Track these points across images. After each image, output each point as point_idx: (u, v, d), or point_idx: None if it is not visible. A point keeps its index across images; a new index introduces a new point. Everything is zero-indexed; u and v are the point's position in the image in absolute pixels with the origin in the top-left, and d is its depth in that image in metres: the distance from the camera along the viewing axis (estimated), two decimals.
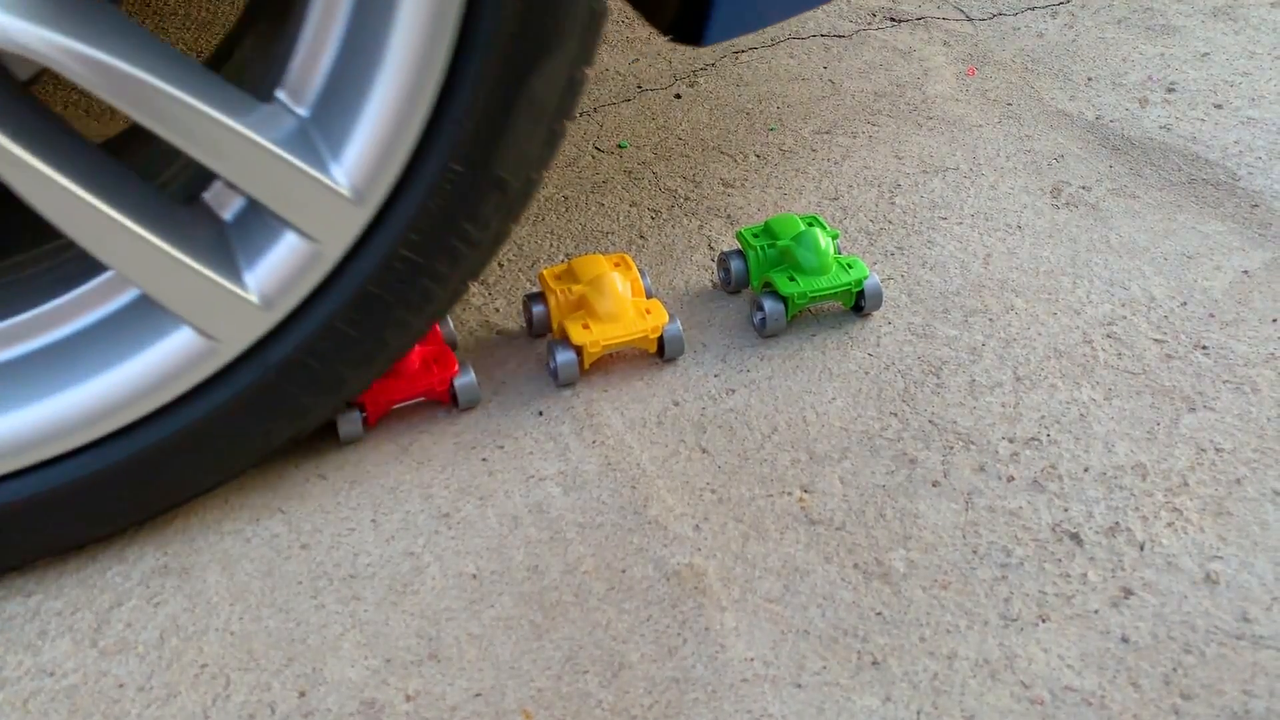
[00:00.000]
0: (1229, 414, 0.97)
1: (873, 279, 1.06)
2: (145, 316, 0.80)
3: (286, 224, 0.78)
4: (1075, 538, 0.87)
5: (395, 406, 0.96)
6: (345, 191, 0.78)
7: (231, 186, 0.79)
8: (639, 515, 0.89)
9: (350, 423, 0.94)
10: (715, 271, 1.14)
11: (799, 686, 0.77)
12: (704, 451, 0.95)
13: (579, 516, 0.89)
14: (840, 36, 1.59)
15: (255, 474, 0.92)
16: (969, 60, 1.53)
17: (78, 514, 0.83)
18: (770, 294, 1.05)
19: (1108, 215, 1.23)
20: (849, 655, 0.79)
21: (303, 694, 0.76)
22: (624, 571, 0.85)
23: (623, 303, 1.00)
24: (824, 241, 1.05)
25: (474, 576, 0.84)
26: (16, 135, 0.72)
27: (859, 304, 1.07)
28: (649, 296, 1.05)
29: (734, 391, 1.01)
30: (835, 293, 1.05)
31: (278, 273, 0.80)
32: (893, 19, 1.64)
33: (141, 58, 0.72)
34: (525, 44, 0.76)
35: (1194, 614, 0.81)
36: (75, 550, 0.86)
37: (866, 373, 1.02)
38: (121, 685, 0.77)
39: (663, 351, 1.03)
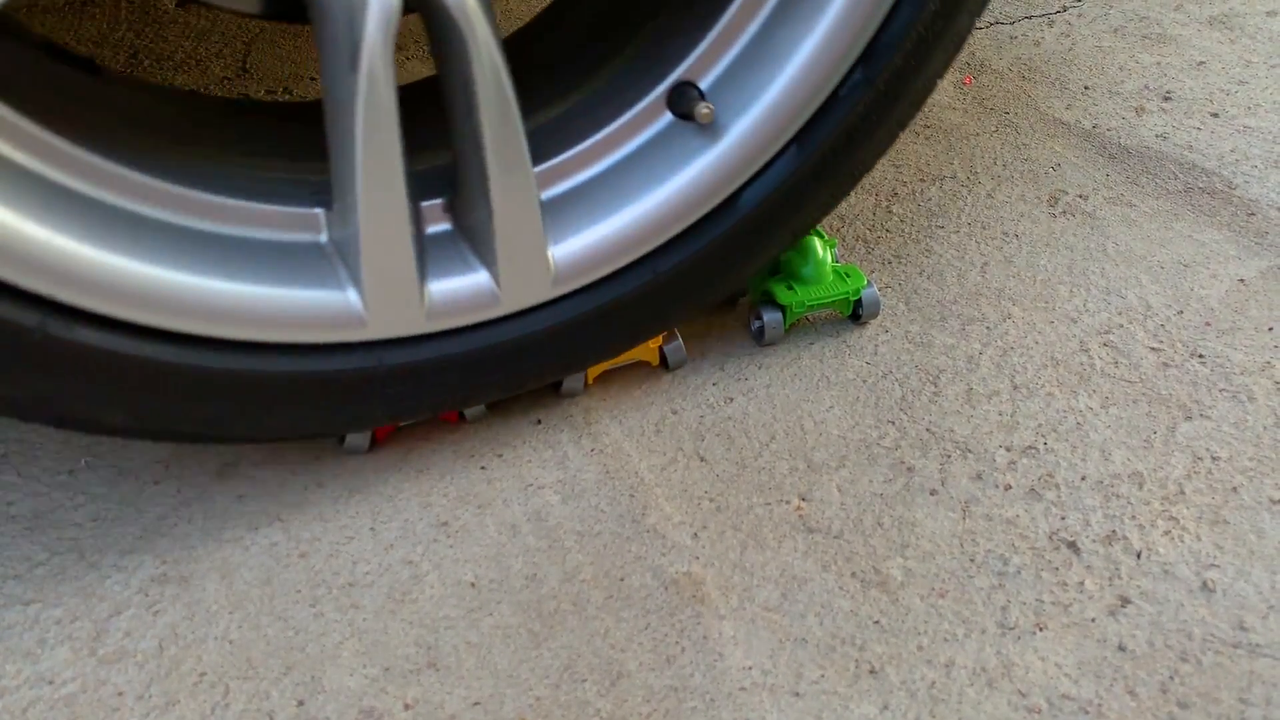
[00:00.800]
0: (1225, 422, 0.98)
1: (870, 288, 1.06)
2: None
3: None
4: (1072, 546, 0.87)
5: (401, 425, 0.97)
6: None
7: None
8: (637, 523, 0.89)
9: (356, 437, 0.94)
10: None
11: (797, 695, 0.77)
12: (702, 460, 0.95)
13: (577, 525, 0.89)
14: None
15: (254, 482, 0.93)
16: (966, 69, 1.54)
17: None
18: (768, 303, 1.05)
19: (1105, 224, 1.23)
20: (847, 664, 0.79)
21: (301, 702, 0.77)
22: (622, 580, 0.85)
23: None
24: (821, 250, 1.05)
25: (472, 585, 0.85)
26: None
27: (857, 312, 1.07)
28: None
29: (732, 400, 1.01)
30: (833, 301, 1.05)
31: None
32: None
33: None
34: None
35: (1191, 622, 0.82)
36: (75, 556, 0.86)
37: (864, 381, 1.03)
38: (120, 694, 0.77)
39: (666, 363, 1.03)
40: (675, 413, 1.00)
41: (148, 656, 0.80)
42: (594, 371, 1.01)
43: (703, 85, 0.88)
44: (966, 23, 0.92)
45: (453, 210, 0.86)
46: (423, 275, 0.83)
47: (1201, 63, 1.55)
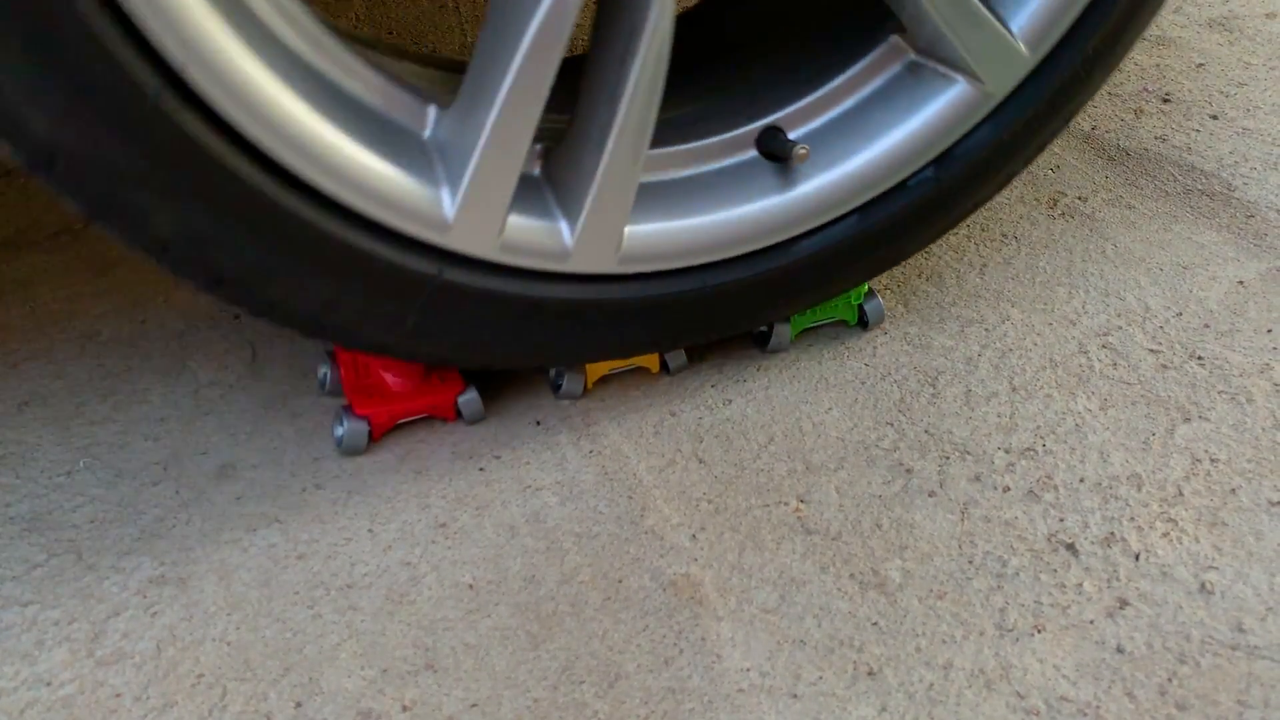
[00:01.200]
0: (1224, 424, 0.98)
1: (873, 294, 1.06)
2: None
3: None
4: (1071, 548, 0.87)
5: (399, 421, 0.97)
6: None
7: None
8: (636, 525, 0.89)
9: (355, 435, 0.94)
10: None
11: (795, 697, 0.77)
12: (701, 461, 0.95)
13: (576, 526, 0.89)
14: None
15: (252, 483, 0.93)
16: None
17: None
18: None
19: (1104, 225, 1.23)
20: (845, 665, 0.79)
21: (299, 704, 0.77)
22: (620, 581, 0.85)
23: None
24: None
25: (471, 586, 0.84)
26: None
27: (863, 320, 1.07)
28: None
29: (731, 401, 1.01)
30: (838, 308, 1.05)
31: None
32: None
33: None
34: None
35: (1189, 624, 0.81)
36: (76, 558, 0.86)
37: (863, 383, 1.03)
38: (118, 695, 0.77)
39: (666, 368, 1.03)
40: (674, 414, 1.00)
41: (145, 658, 0.80)
42: (594, 375, 1.01)
43: (791, 134, 0.94)
44: (1038, 145, 0.99)
45: (546, 158, 0.87)
46: (508, 206, 0.83)
47: (1201, 65, 1.55)
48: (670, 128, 0.92)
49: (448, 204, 0.80)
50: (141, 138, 0.68)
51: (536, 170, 0.87)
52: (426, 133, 0.81)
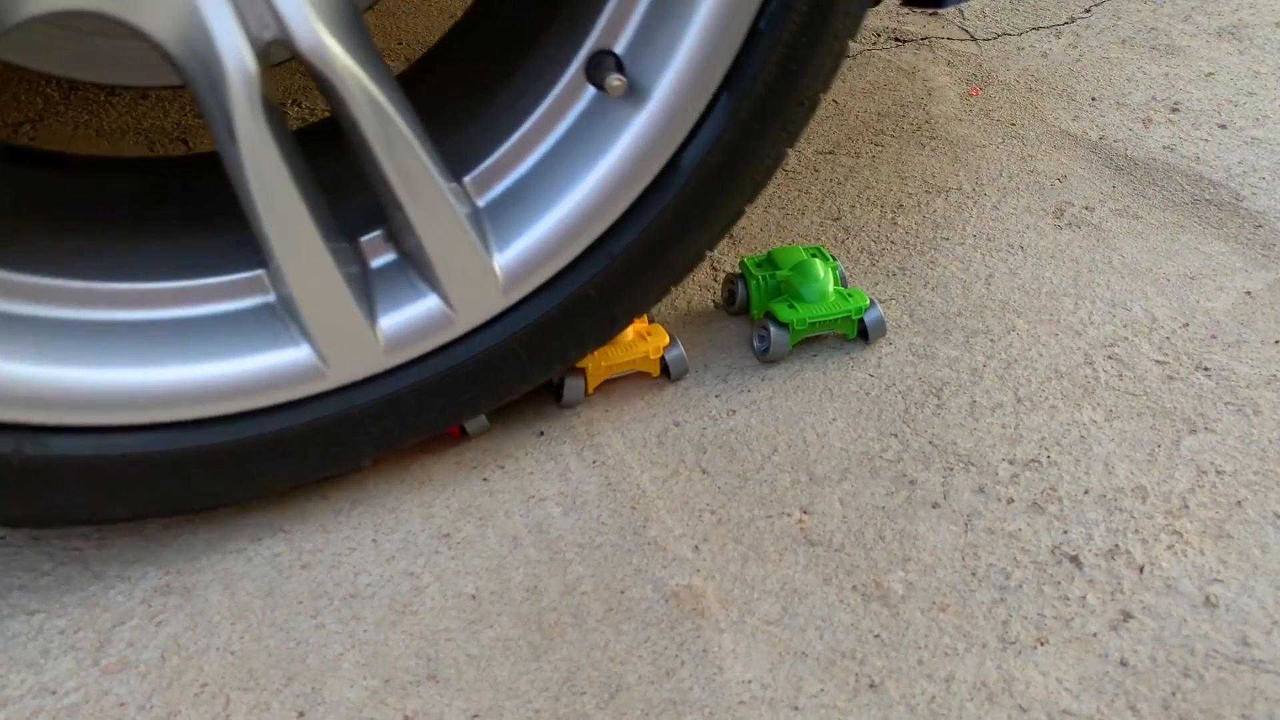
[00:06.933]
0: (1230, 436, 0.97)
1: (874, 308, 1.06)
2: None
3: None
4: (1074, 560, 0.87)
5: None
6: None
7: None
8: (638, 536, 0.89)
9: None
10: (719, 291, 1.15)
11: (796, 709, 0.77)
12: (704, 472, 0.95)
13: (578, 537, 0.89)
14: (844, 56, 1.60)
15: None
16: (973, 80, 1.54)
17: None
18: (773, 320, 1.05)
19: (1110, 236, 1.23)
20: (847, 678, 0.79)
21: (302, 714, 0.77)
22: (623, 592, 0.85)
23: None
24: (823, 271, 1.05)
25: (473, 597, 0.85)
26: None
27: (863, 333, 1.07)
28: (650, 321, 1.06)
29: (734, 412, 1.01)
30: (835, 320, 1.05)
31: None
32: (897, 39, 1.64)
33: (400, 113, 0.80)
34: None
35: (1193, 638, 0.81)
36: (78, 566, 0.87)
37: (867, 393, 1.03)
38: (122, 704, 0.78)
39: (668, 373, 1.03)
40: (677, 424, 1.00)
41: (150, 667, 0.80)
42: (595, 380, 1.01)
43: (619, 51, 0.84)
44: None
45: (393, 239, 0.87)
46: (372, 313, 0.85)
47: (1210, 74, 1.54)
48: (485, 132, 0.89)
49: (310, 354, 0.84)
50: None
51: (392, 254, 0.88)
52: (271, 297, 0.84)
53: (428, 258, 0.84)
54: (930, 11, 0.85)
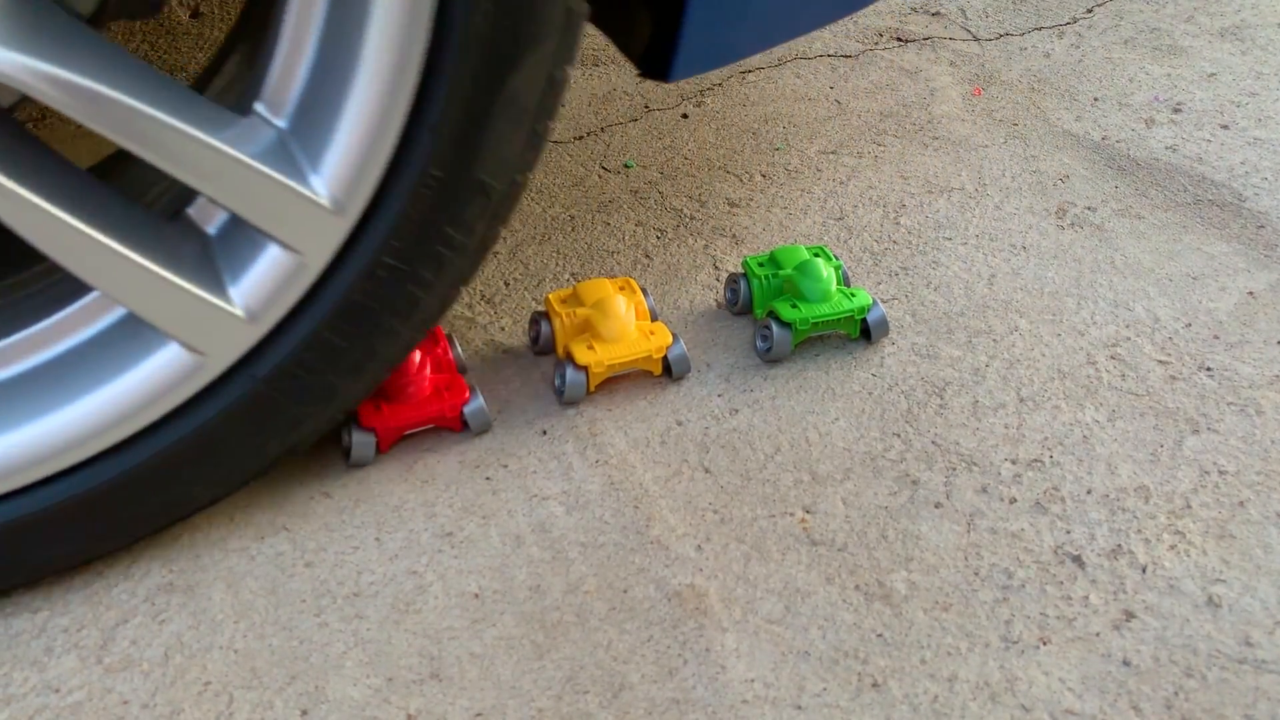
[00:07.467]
0: (1233, 436, 0.97)
1: (877, 308, 1.06)
2: (133, 334, 0.81)
3: (269, 236, 0.79)
4: (1077, 560, 0.87)
5: (406, 433, 0.97)
6: (325, 201, 0.78)
7: (214, 202, 0.79)
8: (641, 535, 0.89)
9: (362, 447, 0.94)
10: (721, 291, 1.15)
11: (799, 708, 0.77)
12: (707, 471, 0.95)
13: (581, 536, 0.89)
14: (847, 56, 1.60)
15: (261, 492, 0.93)
16: (975, 80, 1.54)
17: (75, 532, 0.84)
18: (776, 320, 1.05)
19: (1113, 236, 1.23)
20: (849, 677, 0.79)
21: (305, 712, 0.77)
22: (625, 592, 0.85)
23: (626, 325, 1.01)
24: (825, 270, 1.05)
25: (476, 596, 0.85)
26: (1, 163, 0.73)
27: (866, 333, 1.07)
28: (653, 319, 1.06)
29: (737, 411, 1.01)
30: (838, 319, 1.05)
31: (262, 285, 0.80)
32: (900, 39, 1.64)
33: (116, 79, 0.73)
34: (501, 45, 0.76)
35: (1196, 638, 0.81)
36: (80, 568, 0.87)
37: (870, 393, 1.03)
38: (126, 702, 0.78)
39: (670, 372, 1.03)
40: (680, 424, 1.00)
41: (153, 665, 0.80)
42: (597, 379, 1.01)
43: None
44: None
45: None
46: (219, 283, 0.80)
47: (1212, 74, 1.54)
48: None
49: None
50: None
51: None
52: None
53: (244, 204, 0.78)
54: (662, 81, 0.80)
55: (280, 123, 0.78)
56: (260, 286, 0.80)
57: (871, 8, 1.73)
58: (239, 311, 0.80)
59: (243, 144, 0.76)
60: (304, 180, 0.77)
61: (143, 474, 0.84)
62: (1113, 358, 1.06)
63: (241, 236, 0.81)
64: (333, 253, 0.81)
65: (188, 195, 0.83)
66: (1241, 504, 0.91)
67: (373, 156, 0.77)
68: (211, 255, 0.82)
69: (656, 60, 0.87)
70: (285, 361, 0.83)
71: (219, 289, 0.80)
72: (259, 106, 0.78)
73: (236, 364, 0.83)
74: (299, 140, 0.78)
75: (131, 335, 0.81)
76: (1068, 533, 0.89)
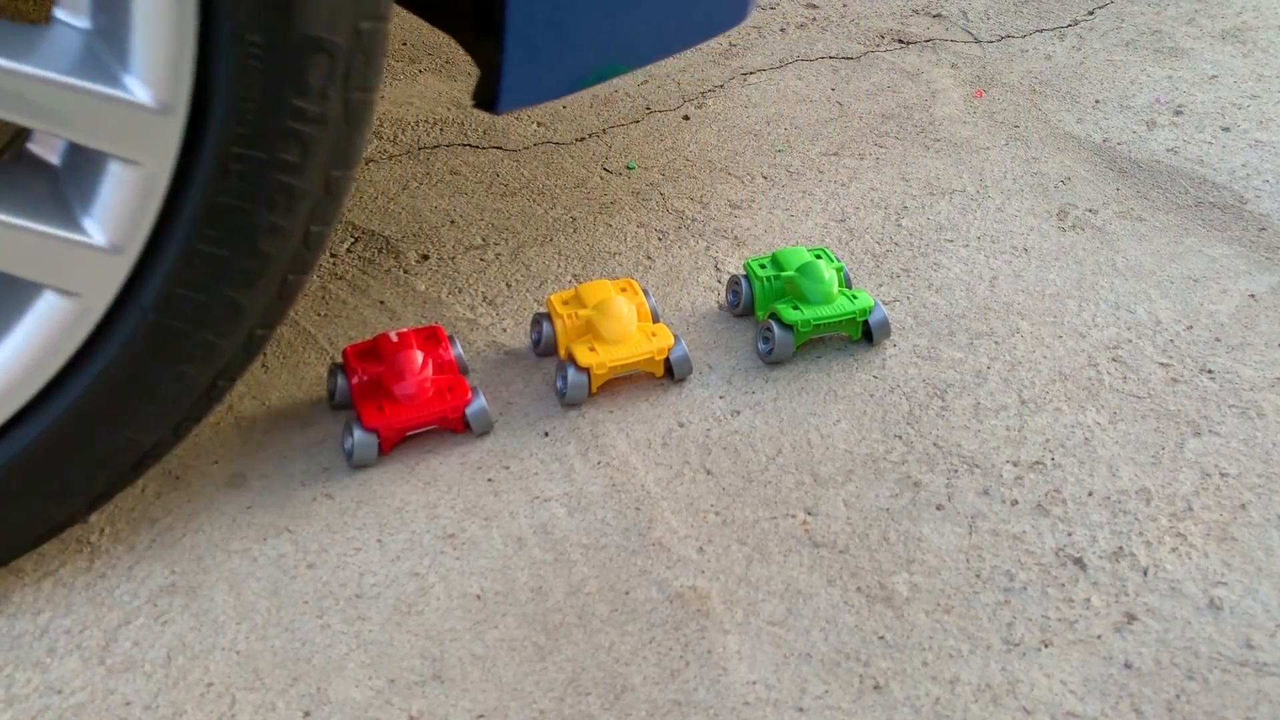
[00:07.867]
0: (1234, 439, 0.97)
1: (879, 310, 1.06)
2: (4, 289, 0.77)
3: (105, 154, 0.73)
4: (1079, 562, 0.87)
5: (409, 434, 0.97)
6: (148, 101, 0.70)
7: (44, 131, 0.73)
8: (643, 537, 0.89)
9: (364, 449, 0.94)
10: (723, 293, 1.15)
11: (801, 710, 0.77)
12: (708, 473, 0.95)
13: (583, 538, 0.89)
14: (848, 58, 1.60)
15: (263, 493, 0.93)
16: (977, 82, 1.54)
17: (24, 500, 0.82)
18: (777, 321, 1.05)
19: (1114, 238, 1.23)
20: (851, 679, 0.79)
21: (307, 714, 0.77)
22: (627, 593, 0.85)
23: (628, 326, 1.01)
24: (827, 272, 1.05)
25: (478, 597, 0.85)
26: None
27: (868, 335, 1.07)
28: (655, 321, 1.06)
29: (739, 413, 1.01)
30: (840, 321, 1.05)
31: (115, 209, 0.74)
32: (901, 41, 1.65)
33: None
34: None
35: (1197, 640, 0.81)
36: (81, 570, 0.87)
37: (871, 395, 1.03)
38: (128, 704, 0.78)
39: (672, 373, 1.03)
40: (682, 426, 1.00)
41: (156, 666, 0.80)
42: (599, 381, 1.01)
43: None
44: None
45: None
46: (71, 216, 0.75)
47: (1214, 76, 1.54)
48: None
49: None
50: None
51: None
52: None
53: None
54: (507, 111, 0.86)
55: (82, 23, 0.71)
56: (113, 211, 0.75)
57: (873, 9, 1.73)
58: (100, 242, 0.75)
59: (50, 62, 0.69)
60: (118, 83, 0.70)
61: (65, 429, 0.80)
62: (1114, 360, 1.06)
63: (83, 161, 0.75)
64: (174, 157, 0.73)
65: (24, 129, 0.77)
66: (1243, 506, 0.91)
67: (181, 31, 0.68)
68: (61, 189, 0.76)
69: (486, 96, 0.87)
70: (168, 285, 0.78)
71: (73, 223, 0.75)
72: (57, 11, 0.71)
73: (119, 300, 0.78)
74: (104, 39, 0.70)
75: (3, 290, 0.77)
76: (1069, 535, 0.89)
